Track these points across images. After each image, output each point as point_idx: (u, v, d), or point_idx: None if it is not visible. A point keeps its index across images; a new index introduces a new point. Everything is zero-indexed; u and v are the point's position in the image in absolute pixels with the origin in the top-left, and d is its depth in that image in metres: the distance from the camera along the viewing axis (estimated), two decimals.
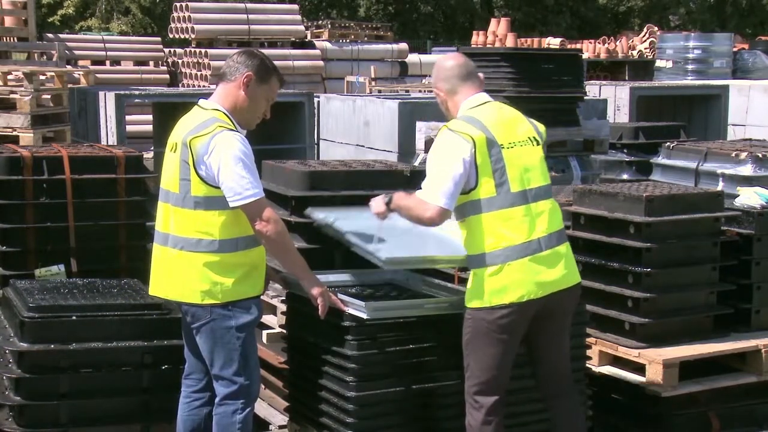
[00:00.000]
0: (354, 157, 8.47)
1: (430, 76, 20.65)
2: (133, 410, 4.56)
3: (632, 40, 24.80)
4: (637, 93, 11.14)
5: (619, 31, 34.10)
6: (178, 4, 18.04)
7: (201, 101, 4.12)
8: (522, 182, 3.97)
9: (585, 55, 20.91)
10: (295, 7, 21.19)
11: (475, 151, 3.91)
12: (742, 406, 5.17)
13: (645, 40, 24.29)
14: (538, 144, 4.11)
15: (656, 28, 26.24)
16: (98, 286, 4.88)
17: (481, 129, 3.96)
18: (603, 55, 23.50)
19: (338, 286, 4.60)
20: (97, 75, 14.27)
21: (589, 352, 4.72)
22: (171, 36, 18.48)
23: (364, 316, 4.09)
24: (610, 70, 23.37)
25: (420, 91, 14.48)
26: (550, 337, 4.13)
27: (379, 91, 14.88)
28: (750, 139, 7.67)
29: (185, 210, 3.97)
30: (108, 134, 9.36)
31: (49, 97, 10.51)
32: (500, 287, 3.91)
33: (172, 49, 18.72)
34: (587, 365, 4.69)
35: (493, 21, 25.02)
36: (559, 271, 3.99)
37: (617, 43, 24.35)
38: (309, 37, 19.26)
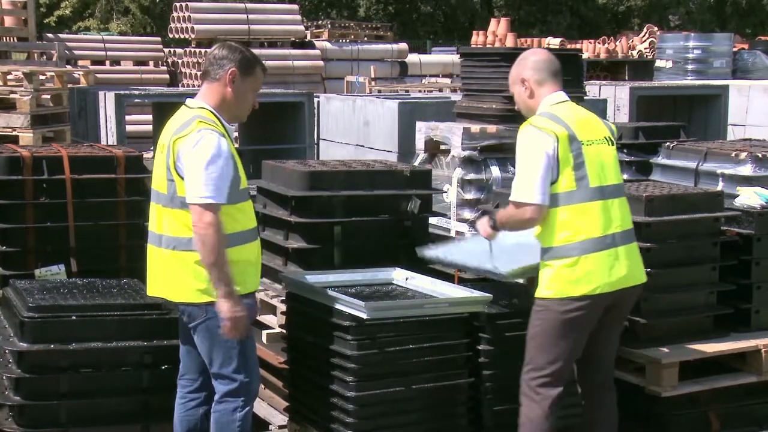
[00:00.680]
0: (354, 157, 8.47)
1: (430, 76, 20.48)
2: (133, 410, 4.56)
3: (632, 40, 24.77)
4: (637, 93, 11.13)
5: (619, 31, 34.09)
6: (177, 4, 18.02)
7: (188, 101, 4.11)
8: (600, 178, 4.08)
9: (585, 55, 20.90)
10: (295, 7, 21.17)
11: (558, 145, 4.01)
12: (742, 406, 5.17)
13: (645, 40, 24.27)
14: (612, 144, 4.24)
15: (656, 28, 26.21)
16: (98, 286, 4.88)
17: (563, 125, 4.06)
18: (603, 55, 23.48)
19: (338, 286, 4.60)
20: (97, 75, 14.27)
21: None
22: (171, 36, 18.47)
23: (364, 316, 4.09)
24: (610, 70, 23.34)
25: (420, 91, 14.48)
26: (608, 333, 4.23)
27: (379, 91, 14.88)
28: (750, 139, 7.65)
29: (174, 210, 3.96)
30: (108, 134, 9.37)
31: (49, 97, 10.50)
32: (575, 279, 4.00)
33: (171, 49, 18.72)
34: None
35: (493, 21, 24.99)
36: (630, 267, 4.10)
37: (617, 43, 24.33)
38: (309, 37, 19.25)
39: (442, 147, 6.88)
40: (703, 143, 6.93)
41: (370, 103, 9.30)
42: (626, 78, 21.89)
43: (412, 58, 20.67)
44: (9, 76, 10.40)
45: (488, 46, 21.95)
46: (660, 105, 11.80)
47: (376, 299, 4.46)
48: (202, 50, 16.88)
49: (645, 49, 23.88)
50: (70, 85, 11.04)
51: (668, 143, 6.85)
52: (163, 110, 10.46)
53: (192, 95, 4.20)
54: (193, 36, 17.39)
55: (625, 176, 8.40)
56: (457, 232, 6.32)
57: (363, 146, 9.09)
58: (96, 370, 4.49)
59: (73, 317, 4.50)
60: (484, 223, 4.35)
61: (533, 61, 4.28)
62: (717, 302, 5.16)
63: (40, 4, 30.74)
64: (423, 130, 7.02)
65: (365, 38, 20.15)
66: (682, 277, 5.02)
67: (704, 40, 21.55)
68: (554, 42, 23.20)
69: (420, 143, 7.06)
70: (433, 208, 5.45)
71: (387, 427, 4.26)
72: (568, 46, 21.82)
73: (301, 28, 18.83)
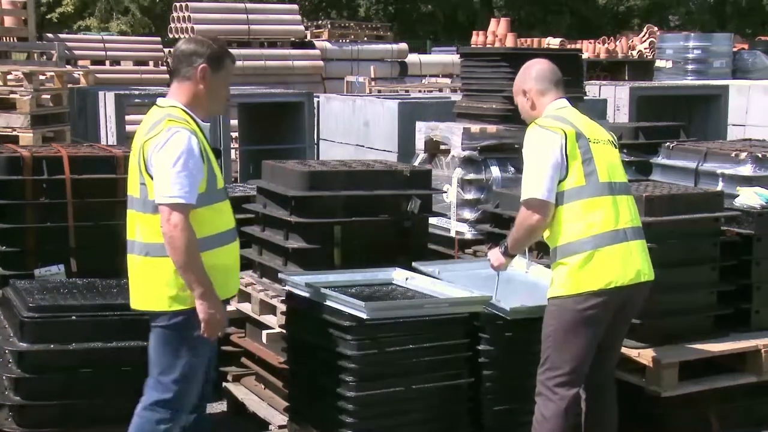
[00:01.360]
0: (354, 157, 8.46)
1: (430, 76, 20.43)
2: (133, 410, 4.54)
3: (632, 40, 24.77)
4: (637, 93, 11.12)
5: (619, 31, 34.07)
6: (177, 4, 18.02)
7: (159, 100, 3.98)
8: (609, 174, 4.13)
9: (585, 55, 20.89)
10: (295, 7, 21.15)
11: (565, 142, 4.06)
12: (741, 406, 5.17)
13: (645, 40, 24.27)
14: (616, 147, 4.30)
15: (656, 28, 26.20)
16: (98, 286, 4.88)
17: (570, 124, 4.12)
18: (603, 55, 23.49)
19: (338, 286, 4.60)
20: (97, 75, 14.24)
21: None
22: (171, 36, 18.45)
23: (364, 316, 4.09)
24: (610, 70, 23.34)
25: (420, 91, 14.47)
26: (616, 330, 4.25)
27: (379, 91, 14.87)
28: (750, 139, 7.65)
29: (147, 215, 3.82)
30: (108, 134, 9.37)
31: (48, 97, 10.49)
32: (589, 274, 4.02)
33: (171, 49, 18.71)
34: None
35: (493, 21, 24.99)
36: (641, 263, 4.13)
37: (617, 43, 24.34)
38: (309, 37, 19.25)
39: (442, 147, 6.87)
40: (703, 143, 6.93)
41: (370, 103, 9.30)
42: (626, 78, 21.88)
43: (412, 58, 20.66)
44: (9, 76, 10.39)
45: (488, 46, 21.97)
46: (660, 105, 11.78)
47: (376, 299, 4.46)
48: None
49: (645, 49, 23.88)
50: (70, 85, 11.03)
51: (668, 143, 6.85)
52: None
53: None
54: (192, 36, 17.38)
55: None
56: (457, 232, 6.32)
57: (363, 146, 9.08)
58: (96, 370, 4.49)
59: (73, 317, 4.50)
60: (495, 253, 4.38)
61: (535, 71, 4.33)
62: (717, 302, 5.16)
63: (40, 3, 30.75)
64: (423, 130, 7.01)
65: (365, 38, 20.14)
66: (682, 277, 5.02)
67: (704, 40, 21.55)
68: (554, 42, 23.21)
69: (420, 143, 7.06)
70: (433, 208, 5.46)
71: (387, 427, 4.26)
72: (568, 46, 21.82)
73: (301, 28, 18.82)
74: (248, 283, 5.39)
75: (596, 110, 8.84)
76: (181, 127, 3.78)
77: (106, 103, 9.38)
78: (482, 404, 4.48)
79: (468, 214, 6.42)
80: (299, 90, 12.36)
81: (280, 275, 4.84)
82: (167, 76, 17.70)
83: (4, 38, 12.53)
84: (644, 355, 4.79)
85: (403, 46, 20.52)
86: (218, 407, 5.56)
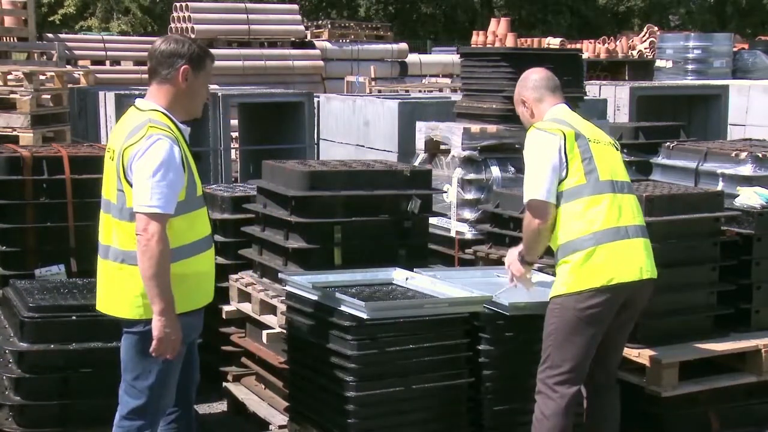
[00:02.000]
0: (354, 157, 8.46)
1: (430, 76, 20.44)
2: None
3: (632, 40, 24.79)
4: (637, 93, 11.11)
5: (619, 31, 34.09)
6: (178, 4, 18.02)
7: (138, 101, 3.86)
8: (611, 173, 4.15)
9: (585, 55, 20.90)
10: (295, 7, 21.17)
11: (564, 142, 4.08)
12: (741, 406, 5.17)
13: (645, 40, 24.29)
14: (617, 150, 4.33)
15: (656, 28, 26.23)
16: None
17: (568, 125, 4.15)
18: (603, 55, 23.50)
19: (338, 286, 4.60)
20: (97, 75, 14.26)
21: None
22: None
23: (364, 316, 4.09)
24: (610, 70, 23.36)
25: (420, 91, 14.47)
26: (618, 329, 4.25)
27: (379, 91, 14.87)
28: (750, 139, 7.65)
29: (123, 222, 3.75)
30: (108, 134, 9.35)
31: (49, 97, 10.51)
32: (591, 271, 4.02)
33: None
34: None
35: (493, 21, 25.02)
36: (644, 260, 4.13)
37: (617, 43, 24.35)
38: (309, 37, 19.26)
39: (442, 147, 6.87)
40: (703, 143, 6.93)
41: (370, 103, 9.29)
42: (626, 78, 21.90)
43: (412, 58, 20.68)
44: (9, 76, 10.41)
45: (488, 46, 21.99)
46: (660, 105, 11.77)
47: (376, 299, 4.46)
48: None
49: (645, 49, 23.89)
50: (70, 85, 11.04)
51: (668, 143, 6.86)
52: None
53: None
54: (193, 36, 17.39)
55: None
56: (457, 232, 6.32)
57: (363, 146, 9.07)
58: (96, 370, 4.49)
59: (73, 317, 4.50)
60: (514, 261, 4.37)
61: (530, 80, 4.38)
62: (717, 302, 5.16)
63: (41, 4, 30.77)
64: (423, 130, 7.01)
65: (365, 38, 20.16)
66: (682, 277, 5.02)
67: (704, 40, 21.57)
68: (554, 42, 23.23)
69: (420, 143, 7.05)
70: (433, 208, 5.45)
71: (387, 427, 4.26)
72: (568, 46, 21.84)
73: (301, 28, 18.83)
74: (248, 283, 5.39)
75: (596, 110, 8.83)
76: (162, 134, 3.67)
77: (106, 103, 9.37)
78: (482, 404, 4.48)
79: (468, 214, 6.42)
80: (299, 90, 12.37)
81: (280, 275, 4.84)
82: None
83: (4, 38, 12.55)
84: (644, 355, 4.79)
85: (403, 46, 20.54)
86: (218, 407, 5.56)
